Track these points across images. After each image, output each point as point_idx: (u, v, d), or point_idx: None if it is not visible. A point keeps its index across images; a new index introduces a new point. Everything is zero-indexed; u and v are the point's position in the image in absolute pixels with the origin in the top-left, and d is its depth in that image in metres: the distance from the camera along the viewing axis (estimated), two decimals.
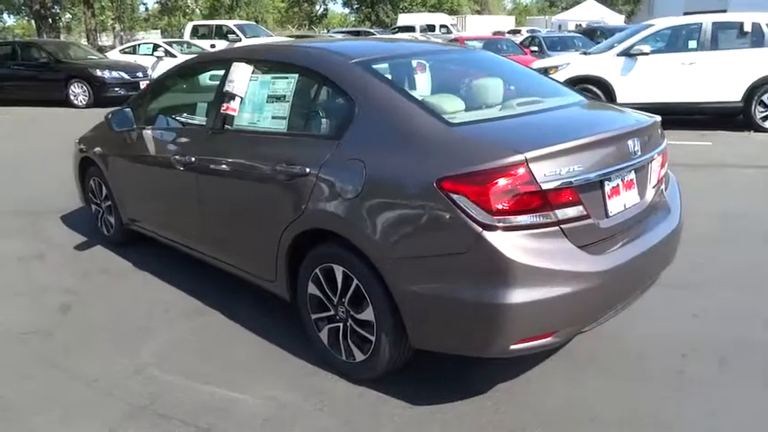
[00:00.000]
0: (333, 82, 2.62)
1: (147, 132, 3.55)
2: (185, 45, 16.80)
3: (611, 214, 2.32)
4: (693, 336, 2.90)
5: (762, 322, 3.03)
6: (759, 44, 8.32)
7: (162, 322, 3.20)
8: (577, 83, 8.21)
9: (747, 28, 8.41)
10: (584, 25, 26.43)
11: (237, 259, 3.11)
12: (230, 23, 19.35)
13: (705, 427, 2.27)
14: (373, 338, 2.40)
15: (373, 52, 2.93)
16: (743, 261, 3.80)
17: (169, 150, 3.37)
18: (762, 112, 8.32)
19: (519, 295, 2.02)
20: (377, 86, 2.51)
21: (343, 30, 33.06)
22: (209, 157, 3.05)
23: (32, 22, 29.88)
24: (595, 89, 8.44)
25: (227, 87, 2.94)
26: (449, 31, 29.12)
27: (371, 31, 30.54)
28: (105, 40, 29.72)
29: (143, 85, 13.17)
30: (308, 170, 2.50)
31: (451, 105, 2.57)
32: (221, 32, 18.31)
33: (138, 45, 17.07)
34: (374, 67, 2.65)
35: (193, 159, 3.12)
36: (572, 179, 2.12)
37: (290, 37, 21.77)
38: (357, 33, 26.18)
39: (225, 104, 2.95)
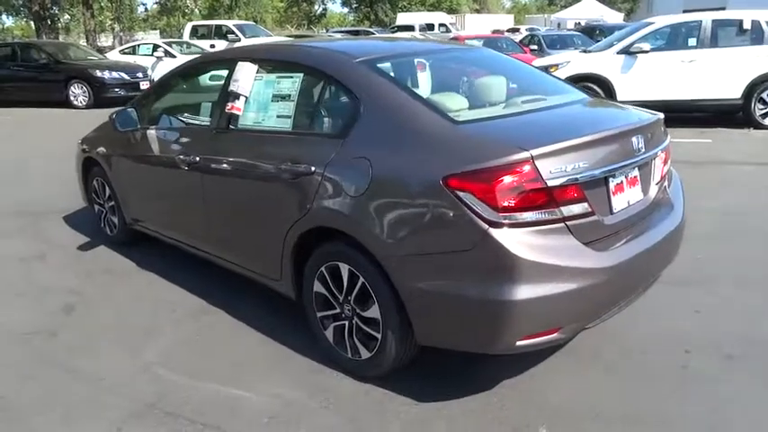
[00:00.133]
0: (338, 81, 2.63)
1: (151, 132, 3.56)
2: (185, 45, 16.80)
3: (615, 211, 2.33)
4: (696, 332, 2.91)
5: (765, 318, 3.04)
6: (758, 41, 8.33)
7: (167, 322, 3.21)
8: (578, 81, 8.20)
9: (747, 25, 8.42)
10: (583, 23, 26.46)
11: (242, 258, 3.12)
12: (229, 23, 19.36)
13: (709, 423, 2.28)
14: (379, 336, 2.42)
15: (377, 51, 2.94)
16: (744, 257, 3.81)
17: (173, 150, 3.38)
18: (761, 109, 8.34)
19: (525, 291, 2.03)
20: (382, 85, 2.52)
21: (343, 29, 33.06)
22: (214, 156, 3.06)
23: (31, 23, 29.88)
24: (596, 87, 8.45)
25: (232, 87, 2.95)
26: (448, 30, 29.12)
27: (371, 30, 30.54)
28: (104, 40, 29.67)
29: (143, 85, 13.21)
30: (313, 169, 2.51)
31: (456, 103, 2.58)
32: (221, 32, 18.32)
33: (138, 45, 17.07)
34: (379, 65, 2.66)
35: (198, 159, 3.13)
36: (577, 176, 2.13)
37: (290, 37, 21.77)
38: (356, 33, 26.20)
39: (229, 104, 2.96)
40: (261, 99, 2.95)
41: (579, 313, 2.22)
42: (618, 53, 8.78)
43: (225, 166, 3.00)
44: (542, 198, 2.07)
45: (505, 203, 2.03)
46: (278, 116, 2.83)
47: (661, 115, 2.75)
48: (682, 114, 8.39)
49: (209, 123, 3.24)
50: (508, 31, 28.12)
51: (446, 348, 2.37)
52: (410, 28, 28.97)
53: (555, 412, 2.35)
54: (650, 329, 2.95)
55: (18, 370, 2.77)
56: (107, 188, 4.20)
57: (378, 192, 2.29)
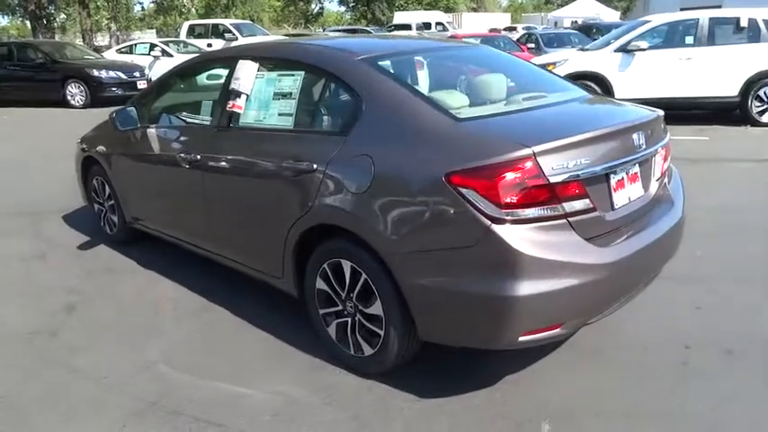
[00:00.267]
0: (339, 79, 2.64)
1: (152, 131, 3.56)
2: (182, 44, 16.78)
3: (616, 207, 2.35)
4: (696, 328, 2.93)
5: (764, 314, 3.05)
6: (755, 39, 8.36)
7: (168, 320, 3.22)
8: (575, 79, 8.17)
9: (744, 23, 8.44)
10: (579, 22, 26.47)
11: (243, 256, 3.13)
12: (227, 22, 19.32)
13: (710, 419, 2.29)
14: (381, 332, 2.42)
15: (378, 49, 2.95)
16: (743, 254, 3.83)
17: (174, 148, 3.38)
18: (758, 106, 8.37)
19: (527, 287, 2.04)
20: (384, 83, 2.53)
21: (340, 28, 33.03)
22: (215, 154, 3.06)
23: (27, 22, 29.78)
24: (593, 85, 8.46)
25: (233, 85, 2.95)
26: (445, 29, 29.13)
27: (368, 29, 30.51)
28: (101, 40, 29.58)
29: (140, 84, 13.19)
30: (315, 166, 2.52)
31: (457, 101, 2.59)
32: (218, 31, 18.28)
33: (135, 45, 17.05)
34: (380, 63, 2.67)
35: (199, 157, 3.13)
36: (579, 172, 2.14)
37: (287, 35, 21.74)
38: (353, 32, 26.18)
39: (231, 102, 2.96)
40: (262, 97, 2.96)
41: (581, 309, 2.23)
42: (615, 51, 8.80)
43: (226, 164, 3.01)
44: (544, 194, 2.08)
45: (508, 200, 2.04)
46: (279, 114, 2.84)
47: (661, 112, 2.76)
48: (679, 112, 8.42)
49: (209, 122, 3.24)
50: (505, 29, 28.15)
51: (448, 344, 2.38)
52: (407, 27, 28.99)
53: (557, 408, 2.37)
54: (650, 326, 2.97)
55: (20, 369, 2.77)
56: (107, 187, 4.20)
57: (380, 189, 2.29)
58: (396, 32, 23.39)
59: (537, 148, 2.06)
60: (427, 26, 29.54)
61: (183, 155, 3.24)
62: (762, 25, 8.33)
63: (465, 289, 2.12)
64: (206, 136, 3.21)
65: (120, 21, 30.75)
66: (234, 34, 17.48)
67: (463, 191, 2.07)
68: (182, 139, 3.42)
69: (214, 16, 30.87)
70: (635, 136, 2.42)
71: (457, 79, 3.08)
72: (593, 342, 2.81)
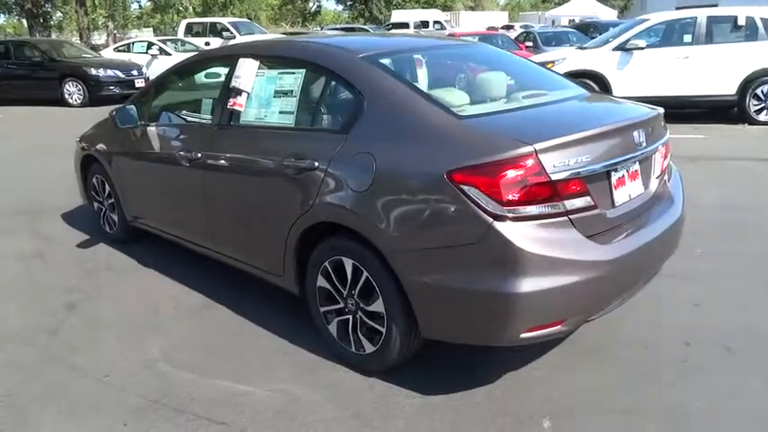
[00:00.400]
0: (341, 77, 2.64)
1: (152, 129, 3.56)
2: (179, 43, 16.75)
3: (617, 204, 2.36)
4: (696, 325, 2.94)
5: (763, 310, 3.07)
6: (753, 38, 8.38)
7: (169, 318, 3.22)
8: (574, 77, 8.17)
9: (741, 22, 8.46)
10: (577, 20, 26.49)
11: (244, 254, 3.13)
12: (224, 21, 19.29)
13: (710, 414, 2.30)
14: (383, 330, 2.43)
15: (379, 47, 2.95)
16: (742, 252, 3.85)
17: (174, 147, 3.38)
18: (756, 105, 8.39)
19: (529, 284, 2.05)
20: (385, 80, 2.54)
21: (337, 26, 33.01)
22: (216, 152, 3.06)
23: (23, 20, 29.67)
24: (592, 83, 8.47)
25: (234, 83, 2.95)
26: (442, 28, 29.14)
27: (365, 27, 30.50)
28: (97, 38, 29.50)
29: (138, 83, 13.17)
30: (316, 164, 2.52)
31: (458, 99, 2.60)
32: (215, 30, 18.24)
33: (133, 43, 17.01)
34: (381, 61, 2.67)
35: (199, 155, 3.13)
36: (580, 170, 2.15)
37: (284, 34, 21.72)
38: (351, 30, 26.16)
39: (231, 100, 2.97)
40: (263, 95, 2.96)
41: (582, 306, 2.24)
42: (614, 50, 8.82)
43: (227, 162, 3.01)
44: (546, 192, 2.09)
45: (510, 197, 2.05)
46: (280, 112, 2.84)
47: (661, 110, 2.77)
48: (677, 110, 8.44)
49: (210, 120, 3.24)
50: (502, 28, 28.15)
51: (450, 341, 2.39)
52: (405, 25, 28.98)
53: (557, 405, 2.38)
54: (650, 323, 2.98)
55: (21, 368, 2.76)
56: (106, 185, 4.20)
57: (382, 187, 2.30)
58: (394, 31, 23.37)
59: (538, 146, 2.06)
60: (425, 25, 29.52)
61: (183, 153, 3.24)
62: (759, 24, 8.35)
63: (467, 286, 2.13)
64: (206, 134, 3.21)
65: (118, 19, 30.68)
66: (232, 33, 17.45)
67: (465, 188, 2.08)
68: (182, 137, 3.42)
69: (211, 15, 30.78)
70: (635, 134, 2.43)
71: (457, 77, 3.09)
72: (593, 339, 2.82)
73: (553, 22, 31.71)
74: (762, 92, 8.32)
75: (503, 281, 2.05)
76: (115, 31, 30.09)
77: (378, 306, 2.42)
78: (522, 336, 2.15)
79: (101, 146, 4.12)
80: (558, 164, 2.09)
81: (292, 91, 2.79)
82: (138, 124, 3.63)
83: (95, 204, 4.46)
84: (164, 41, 16.49)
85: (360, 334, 2.55)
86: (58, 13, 29.84)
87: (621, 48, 8.75)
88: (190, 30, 19.15)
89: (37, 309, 3.37)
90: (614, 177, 2.34)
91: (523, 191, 2.06)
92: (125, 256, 4.10)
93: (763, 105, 8.37)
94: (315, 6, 51.57)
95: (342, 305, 2.60)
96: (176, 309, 3.32)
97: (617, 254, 2.24)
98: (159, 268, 3.85)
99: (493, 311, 2.12)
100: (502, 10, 57.08)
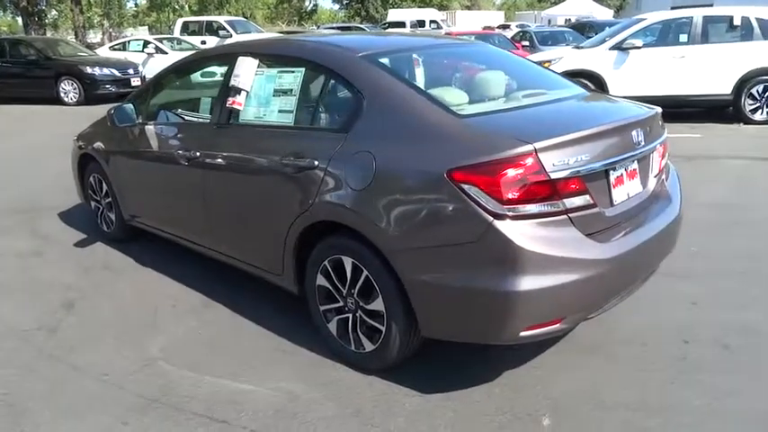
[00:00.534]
0: (340, 76, 2.64)
1: (150, 128, 3.55)
2: (176, 41, 16.70)
3: (615, 203, 2.37)
4: (694, 323, 2.96)
5: (760, 309, 3.09)
6: (748, 38, 8.42)
7: (168, 317, 3.21)
8: (570, 77, 8.24)
9: (737, 22, 8.50)
10: (573, 20, 26.54)
11: (243, 253, 3.13)
12: (221, 19, 19.23)
13: (709, 410, 2.32)
14: (383, 328, 2.43)
15: (378, 46, 2.96)
16: (739, 250, 3.87)
17: (173, 145, 3.38)
18: (751, 104, 8.43)
19: (529, 283, 2.06)
20: (385, 79, 2.54)
21: (334, 25, 32.99)
22: (215, 151, 3.06)
23: (18, 18, 29.53)
24: (588, 83, 8.49)
25: (233, 82, 2.95)
26: (439, 27, 29.17)
27: (362, 26, 30.49)
28: (93, 37, 29.42)
29: (134, 82, 13.13)
30: (316, 163, 2.52)
31: (457, 98, 2.60)
32: (212, 29, 18.19)
33: (129, 42, 16.94)
34: (380, 60, 2.68)
35: (198, 154, 3.13)
36: (579, 169, 2.16)
37: (281, 33, 21.69)
38: (348, 29, 26.15)
39: (230, 99, 2.96)
40: (262, 94, 2.96)
41: (582, 304, 2.25)
42: (610, 49, 8.84)
43: (226, 161, 3.01)
44: (546, 190, 2.10)
45: (510, 196, 2.05)
46: (279, 111, 2.84)
47: (659, 109, 2.79)
48: (673, 109, 8.46)
49: (209, 119, 3.23)
50: (499, 27, 28.17)
51: (450, 340, 2.39)
52: (401, 24, 28.99)
53: (557, 402, 2.39)
54: (649, 321, 2.99)
55: (21, 366, 2.76)
56: (104, 184, 4.19)
57: (382, 185, 2.30)
58: (391, 30, 23.35)
59: (538, 145, 2.07)
60: (421, 24, 29.54)
61: (182, 152, 3.24)
62: (755, 23, 8.39)
63: (467, 285, 2.13)
64: (205, 133, 3.21)
65: (113, 17, 30.59)
66: (228, 31, 17.41)
67: (465, 187, 2.08)
68: (181, 135, 3.41)
69: (207, 13, 30.73)
70: (634, 133, 2.44)
71: (456, 76, 3.09)
72: (591, 337, 2.83)
73: (549, 21, 31.78)
74: (757, 91, 8.36)
75: (503, 279, 2.06)
76: (111, 30, 30.01)
77: (377, 305, 2.43)
78: (522, 334, 2.16)
79: (98, 145, 4.11)
80: (557, 163, 2.10)
81: (292, 90, 2.79)
82: (136, 123, 3.63)
83: (93, 203, 4.45)
84: (160, 40, 16.43)
85: (359, 332, 2.56)
86: (54, 12, 29.73)
87: (618, 47, 8.77)
88: (186, 28, 19.09)
89: (35, 307, 3.36)
90: (613, 176, 2.35)
91: (523, 189, 2.06)
92: (123, 255, 4.10)
93: (758, 105, 8.41)
94: (311, 5, 51.51)
95: (341, 304, 2.61)
96: (175, 307, 3.31)
97: (616, 252, 2.26)
98: (157, 267, 3.85)
99: (493, 310, 2.13)
100: (498, 9, 57.16)
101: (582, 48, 9.69)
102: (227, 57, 3.22)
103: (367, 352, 2.55)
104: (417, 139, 2.29)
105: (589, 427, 2.25)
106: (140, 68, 14.08)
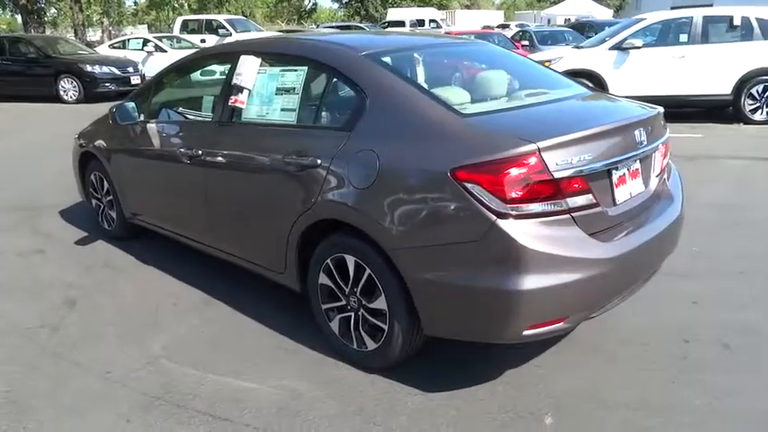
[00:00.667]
0: (343, 74, 2.64)
1: (152, 126, 3.55)
2: (175, 40, 16.68)
3: (618, 203, 2.37)
4: (694, 323, 2.96)
5: (761, 309, 3.10)
6: (748, 38, 8.43)
7: (169, 315, 3.22)
8: (570, 76, 8.26)
9: (737, 22, 8.51)
10: (572, 20, 26.55)
11: (245, 251, 3.13)
12: (220, 18, 19.21)
13: (709, 410, 2.33)
14: (385, 327, 2.44)
15: (381, 45, 2.96)
16: (739, 250, 3.88)
17: (175, 143, 3.38)
18: (751, 104, 8.44)
19: (532, 281, 2.06)
20: (388, 78, 2.54)
21: (333, 24, 32.97)
22: (217, 149, 3.06)
23: (17, 16, 29.49)
24: (588, 83, 8.50)
25: (236, 80, 2.95)
26: (438, 26, 29.17)
27: (362, 25, 30.48)
28: (92, 35, 29.38)
29: (134, 80, 13.12)
30: (319, 161, 2.53)
31: (460, 97, 2.61)
32: (211, 27, 18.18)
33: (128, 40, 16.93)
34: (383, 59, 2.68)
35: (200, 152, 3.13)
36: (582, 168, 2.17)
37: (281, 32, 21.67)
38: (347, 28, 26.13)
39: (233, 97, 2.97)
40: (264, 92, 2.96)
41: (584, 303, 2.25)
42: (610, 49, 8.86)
43: (228, 159, 3.01)
44: (549, 190, 2.10)
45: (513, 195, 2.06)
46: (282, 109, 2.84)
47: (661, 109, 2.79)
48: (673, 109, 8.47)
49: (211, 117, 3.23)
50: (498, 27, 28.17)
51: (453, 339, 2.40)
52: (401, 23, 28.97)
53: (559, 400, 2.39)
54: (649, 320, 3.00)
55: (23, 363, 2.76)
56: (105, 182, 4.19)
57: (385, 184, 2.31)
58: (391, 29, 23.35)
59: (541, 144, 2.08)
60: (421, 23, 29.53)
61: (184, 150, 3.24)
62: (755, 24, 8.40)
63: (470, 283, 2.14)
64: (207, 131, 3.21)
65: (112, 16, 30.55)
66: (227, 30, 17.40)
67: (468, 186, 2.09)
68: (183, 134, 3.41)
69: (207, 12, 30.68)
70: (636, 132, 2.45)
71: (459, 75, 3.09)
72: (593, 337, 2.84)
73: (549, 21, 31.79)
74: (757, 91, 8.37)
75: (506, 278, 2.07)
76: (110, 28, 29.96)
77: (380, 303, 2.43)
78: (525, 333, 2.17)
79: (99, 143, 4.11)
80: (560, 162, 2.11)
81: (294, 88, 2.80)
82: (138, 121, 3.63)
83: (94, 201, 4.45)
84: (159, 38, 16.41)
85: (362, 331, 2.56)
86: (53, 9, 29.68)
87: (618, 47, 8.78)
88: (185, 27, 19.07)
89: (37, 305, 3.36)
90: (615, 176, 2.36)
91: (527, 189, 2.07)
92: (124, 253, 4.10)
93: (757, 105, 8.42)
94: (310, 4, 51.48)
95: (344, 302, 2.61)
96: (176, 305, 3.32)
97: (618, 252, 2.26)
98: (158, 265, 3.85)
99: (496, 309, 2.14)
100: (497, 9, 57.18)
101: (582, 47, 9.69)
102: (229, 55, 3.22)
103: (369, 350, 2.55)
104: (420, 138, 2.29)
105: (590, 427, 2.26)
106: (140, 67, 14.08)
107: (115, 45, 16.69)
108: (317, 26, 38.68)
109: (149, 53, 15.08)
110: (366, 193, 2.36)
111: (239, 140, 3.01)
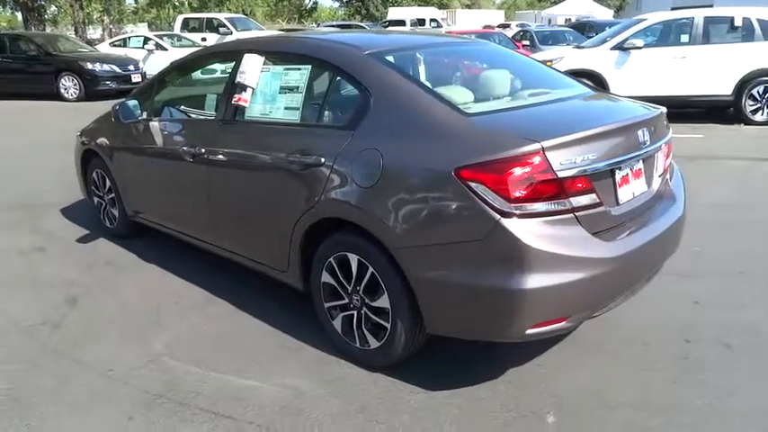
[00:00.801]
0: (347, 73, 2.65)
1: (155, 124, 3.55)
2: (176, 38, 16.68)
3: (621, 202, 2.38)
4: (696, 323, 2.97)
5: (762, 309, 3.10)
6: (749, 38, 8.44)
7: (172, 313, 3.22)
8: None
9: (738, 22, 8.52)
10: (573, 20, 26.55)
11: (248, 250, 3.13)
12: (221, 16, 19.23)
13: (710, 410, 2.33)
14: (388, 325, 2.44)
15: (384, 44, 2.96)
16: (740, 250, 3.88)
17: (177, 141, 3.38)
18: (751, 105, 8.45)
19: (535, 281, 2.07)
20: (391, 77, 2.55)
21: (334, 23, 32.97)
22: (220, 148, 3.06)
23: (17, 14, 29.47)
24: (589, 83, 8.50)
25: (239, 78, 2.95)
26: (439, 26, 29.18)
27: (362, 24, 30.48)
28: (92, 32, 29.36)
29: (135, 78, 13.11)
30: (322, 160, 2.53)
31: (463, 96, 2.61)
32: (212, 26, 18.19)
33: (129, 38, 16.92)
34: (387, 58, 2.68)
35: (203, 151, 3.13)
36: (586, 168, 2.17)
37: (281, 31, 21.66)
38: (348, 27, 26.11)
39: (236, 96, 2.97)
40: (268, 91, 2.96)
41: (587, 302, 2.26)
42: (611, 49, 8.86)
43: (231, 157, 3.01)
44: (553, 189, 2.11)
45: (517, 194, 2.06)
46: (285, 108, 2.84)
47: (664, 109, 2.80)
48: (674, 110, 8.47)
49: (214, 115, 3.24)
50: (499, 26, 28.16)
51: (456, 337, 2.40)
52: (401, 23, 28.98)
53: (561, 400, 2.40)
54: (651, 320, 3.00)
55: (26, 361, 2.76)
56: (107, 180, 4.19)
57: (389, 183, 2.31)
58: (392, 28, 23.34)
59: (545, 144, 2.08)
60: (421, 22, 29.54)
61: (186, 148, 3.24)
62: (755, 24, 8.41)
63: (473, 282, 2.14)
64: (210, 129, 3.21)
65: (113, 14, 30.52)
66: (228, 28, 17.41)
67: (472, 185, 2.09)
68: (185, 132, 3.41)
69: (208, 10, 30.64)
70: (639, 132, 2.45)
71: (462, 75, 3.10)
72: (595, 336, 2.84)
73: (549, 21, 31.79)
74: (758, 92, 8.37)
75: (509, 277, 2.07)
76: (110, 26, 29.93)
77: (383, 302, 2.44)
78: (528, 332, 2.17)
79: (102, 140, 4.11)
80: (564, 161, 2.11)
81: (298, 87, 2.80)
82: (141, 119, 3.63)
83: (95, 199, 4.45)
84: (160, 37, 16.41)
85: (364, 329, 2.57)
86: (53, 7, 29.64)
87: (619, 47, 8.79)
88: (186, 25, 19.07)
89: (39, 303, 3.36)
90: (618, 175, 2.37)
91: (531, 188, 2.07)
92: (125, 251, 4.10)
93: (758, 106, 8.43)
94: (311, 3, 51.45)
95: (347, 301, 2.61)
96: (178, 303, 3.32)
97: (621, 251, 2.27)
98: (160, 263, 3.85)
99: (499, 308, 2.14)
100: (498, 8, 57.17)
101: (583, 47, 9.70)
102: (233, 54, 3.22)
103: (372, 349, 2.56)
104: (424, 137, 2.29)
105: (592, 426, 2.27)
106: (141, 65, 14.07)
107: (116, 43, 16.67)
108: (318, 25, 38.68)
109: (150, 51, 15.07)
110: (370, 192, 2.36)
111: (242, 139, 3.01)
